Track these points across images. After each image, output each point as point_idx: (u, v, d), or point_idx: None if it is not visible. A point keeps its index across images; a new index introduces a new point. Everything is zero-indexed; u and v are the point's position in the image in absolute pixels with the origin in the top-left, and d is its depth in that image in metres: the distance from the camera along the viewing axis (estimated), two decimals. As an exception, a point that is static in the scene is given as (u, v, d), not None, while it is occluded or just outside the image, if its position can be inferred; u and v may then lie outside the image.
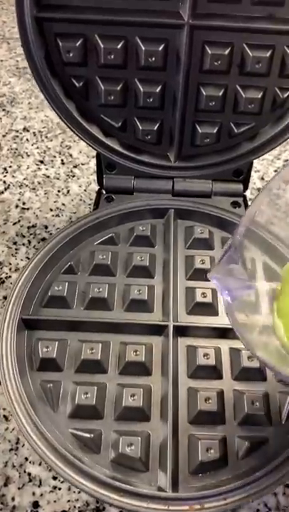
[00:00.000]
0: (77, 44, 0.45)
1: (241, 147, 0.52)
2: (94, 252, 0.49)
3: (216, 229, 0.53)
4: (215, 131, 0.51)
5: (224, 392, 0.41)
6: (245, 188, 0.55)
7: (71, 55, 0.46)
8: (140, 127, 0.51)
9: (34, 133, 0.76)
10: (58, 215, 0.64)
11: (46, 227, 0.63)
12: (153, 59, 0.46)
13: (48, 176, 0.69)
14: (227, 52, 0.46)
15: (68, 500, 0.43)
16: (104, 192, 0.55)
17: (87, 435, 0.38)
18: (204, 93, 0.48)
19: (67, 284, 0.46)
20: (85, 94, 0.49)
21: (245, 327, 0.31)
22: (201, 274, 0.48)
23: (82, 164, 0.71)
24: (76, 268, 0.49)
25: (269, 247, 0.39)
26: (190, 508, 0.35)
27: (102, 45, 0.45)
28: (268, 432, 0.40)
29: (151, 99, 0.49)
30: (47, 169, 0.70)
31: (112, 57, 0.46)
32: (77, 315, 0.45)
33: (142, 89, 0.48)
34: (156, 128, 0.51)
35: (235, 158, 0.52)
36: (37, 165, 0.70)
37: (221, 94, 0.48)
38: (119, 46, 0.45)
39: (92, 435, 0.38)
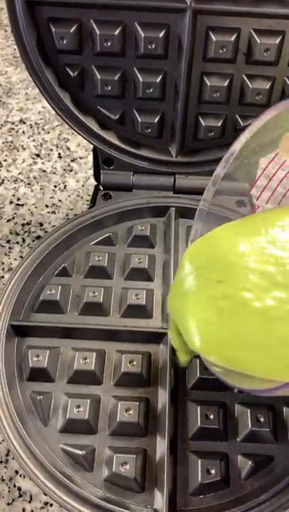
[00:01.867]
0: (72, 30, 0.42)
1: (247, 141, 0.49)
2: (90, 253, 0.46)
3: (220, 228, 0.50)
4: (219, 124, 0.48)
5: (226, 406, 0.38)
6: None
7: (65, 42, 0.43)
8: (139, 120, 0.48)
9: (30, 125, 0.72)
10: (54, 212, 0.61)
11: (41, 224, 0.60)
12: (153, 46, 0.43)
13: (45, 171, 0.66)
14: (233, 38, 0.42)
15: (60, 518, 0.40)
16: (101, 188, 0.52)
17: (79, 452, 0.36)
18: (208, 83, 0.45)
19: (60, 287, 0.44)
20: (81, 85, 0.46)
21: None
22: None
23: (81, 158, 0.68)
24: (70, 270, 0.46)
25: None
26: (188, 534, 0.32)
27: (98, 32, 0.42)
28: (273, 449, 0.37)
29: (151, 90, 0.46)
30: (43, 163, 0.67)
31: (109, 44, 0.43)
32: (70, 321, 0.43)
33: (141, 79, 0.45)
34: (156, 120, 0.48)
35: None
36: (33, 158, 0.67)
37: (226, 84, 0.45)
38: (116, 32, 0.42)
39: (84, 452, 0.36)
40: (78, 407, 0.37)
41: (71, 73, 0.45)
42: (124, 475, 0.35)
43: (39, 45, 0.43)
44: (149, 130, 0.48)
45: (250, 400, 0.39)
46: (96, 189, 0.51)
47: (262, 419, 0.37)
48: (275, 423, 0.38)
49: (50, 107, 0.47)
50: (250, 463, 0.36)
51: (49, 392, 0.39)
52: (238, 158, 0.36)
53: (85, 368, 0.39)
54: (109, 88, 0.46)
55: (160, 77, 0.45)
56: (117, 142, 0.49)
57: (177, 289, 0.33)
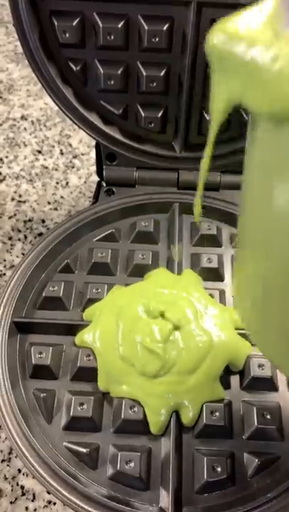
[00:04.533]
0: (74, 23, 0.42)
1: (252, 136, 0.48)
2: (92, 250, 0.46)
3: (225, 225, 0.49)
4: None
5: (232, 404, 0.38)
6: (256, 180, 0.51)
7: (68, 35, 0.42)
8: (143, 114, 0.47)
9: (32, 121, 0.72)
10: (56, 209, 0.60)
11: (43, 221, 0.59)
12: (157, 39, 0.42)
13: (46, 167, 0.65)
14: (238, 31, 0.42)
15: (64, 517, 0.40)
16: (104, 184, 0.51)
17: (83, 450, 0.35)
18: (212, 77, 0.44)
19: (63, 283, 0.43)
20: (83, 79, 0.45)
21: None
22: (208, 274, 0.45)
23: (83, 154, 0.67)
24: (73, 266, 0.46)
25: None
26: (194, 533, 0.32)
27: (101, 25, 0.42)
28: (280, 447, 0.36)
29: (154, 84, 0.45)
30: (45, 160, 0.66)
31: (112, 37, 0.42)
32: (73, 317, 0.42)
33: (144, 73, 0.44)
34: (160, 115, 0.47)
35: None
36: (34, 155, 0.67)
37: (230, 78, 0.44)
38: (119, 25, 0.42)
39: (88, 450, 0.35)
40: (82, 404, 0.37)
41: (74, 67, 0.44)
42: (129, 473, 0.34)
43: (41, 39, 0.42)
44: (152, 125, 0.48)
45: (256, 398, 0.38)
46: (99, 185, 0.51)
47: (268, 417, 0.37)
48: (281, 420, 0.37)
49: (53, 101, 0.46)
50: (256, 461, 0.35)
51: (52, 389, 0.38)
52: None
53: (89, 365, 0.38)
54: (112, 82, 0.45)
55: (164, 70, 0.44)
56: (119, 137, 0.49)
57: None
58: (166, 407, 0.37)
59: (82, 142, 0.69)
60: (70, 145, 0.69)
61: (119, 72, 0.45)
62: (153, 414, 0.37)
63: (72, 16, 0.42)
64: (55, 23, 0.42)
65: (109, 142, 0.49)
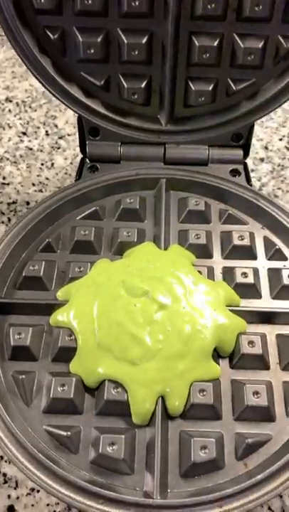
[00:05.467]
0: (50, -13, 0.40)
1: (240, 107, 0.46)
2: (75, 228, 0.44)
3: (214, 200, 0.47)
4: (210, 88, 0.45)
5: (221, 383, 0.36)
6: (246, 154, 0.49)
7: (43, 0, 0.40)
8: (125, 85, 0.45)
9: (17, 103, 0.70)
10: (40, 191, 0.59)
11: (28, 203, 0.57)
12: (137, 3, 0.40)
13: (31, 149, 0.63)
14: (222, -7, 0.40)
15: (48, 504, 0.38)
16: (88, 161, 0.49)
17: (64, 433, 0.34)
18: (197, 43, 0.42)
19: (44, 263, 0.42)
20: (62, 48, 0.43)
21: None
22: (196, 250, 0.43)
23: (69, 135, 0.65)
24: (55, 245, 0.44)
25: None
26: (180, 518, 0.30)
27: (78, -12, 0.40)
28: (270, 428, 0.35)
29: (136, 52, 0.43)
30: (30, 141, 0.64)
31: (90, 2, 0.40)
32: (54, 297, 0.40)
33: (125, 41, 0.42)
34: (143, 86, 0.45)
35: (233, 120, 0.47)
36: (19, 137, 0.65)
37: (216, 44, 0.42)
38: (97, -12, 0.40)
39: (69, 433, 0.34)
40: (63, 385, 0.35)
41: (51, 36, 0.42)
42: (112, 456, 0.33)
43: (16, 4, 0.40)
44: (135, 96, 0.46)
45: (246, 377, 0.37)
46: (82, 162, 0.49)
47: (259, 396, 0.35)
48: (272, 399, 0.35)
49: (31, 73, 0.44)
50: (246, 442, 0.34)
51: (32, 371, 0.37)
52: None
53: (70, 345, 0.37)
54: (92, 51, 0.43)
55: (146, 38, 0.42)
56: (102, 110, 0.47)
57: None
58: (151, 396, 0.34)
59: (69, 123, 0.67)
60: (56, 126, 0.66)
61: (99, 40, 0.42)
62: (136, 404, 0.34)
63: (47, -21, 0.39)
64: (29, -13, 0.40)
65: (92, 115, 0.47)
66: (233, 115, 0.47)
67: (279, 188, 0.59)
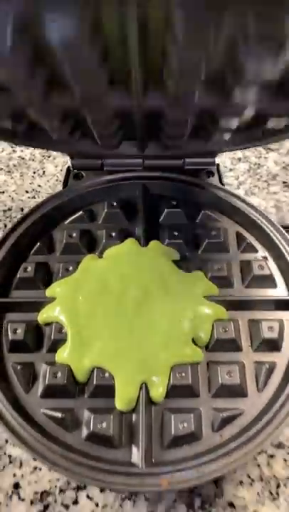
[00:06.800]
0: None
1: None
2: (64, 231, 0.48)
3: (190, 200, 0.51)
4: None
5: (198, 365, 0.40)
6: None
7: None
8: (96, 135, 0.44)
9: (8, 115, 0.74)
10: (34, 197, 0.63)
11: (22, 209, 0.61)
12: None
13: (23, 158, 0.67)
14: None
15: (49, 480, 0.42)
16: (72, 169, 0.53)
17: (59, 414, 0.38)
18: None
19: (36, 265, 0.46)
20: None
21: None
22: (175, 248, 0.47)
23: (58, 144, 0.69)
24: (46, 248, 0.48)
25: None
26: (162, 481, 0.34)
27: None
28: (243, 403, 0.39)
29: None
30: (22, 151, 0.68)
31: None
32: (44, 296, 0.44)
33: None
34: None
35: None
36: (12, 147, 0.69)
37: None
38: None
39: (64, 414, 0.38)
40: (55, 373, 0.39)
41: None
42: (103, 433, 0.37)
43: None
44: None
45: (220, 358, 0.41)
46: (68, 170, 0.53)
47: (232, 375, 0.39)
48: (244, 378, 0.39)
49: None
50: (220, 415, 0.38)
51: (29, 362, 0.41)
52: None
53: (62, 337, 0.41)
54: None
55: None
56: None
57: None
58: (134, 385, 0.38)
59: (58, 132, 0.71)
60: (46, 135, 0.70)
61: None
62: (121, 392, 0.38)
63: None
64: None
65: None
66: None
67: (255, 186, 0.63)
